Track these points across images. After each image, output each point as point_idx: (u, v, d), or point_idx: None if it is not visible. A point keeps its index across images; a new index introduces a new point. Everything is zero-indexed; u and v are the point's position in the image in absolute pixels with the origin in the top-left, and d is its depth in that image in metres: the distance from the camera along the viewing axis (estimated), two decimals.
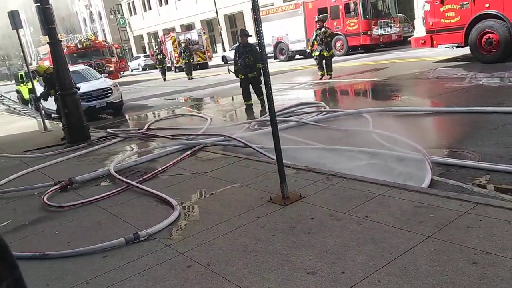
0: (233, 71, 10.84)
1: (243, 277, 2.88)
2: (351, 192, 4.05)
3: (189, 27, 43.24)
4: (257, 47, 9.94)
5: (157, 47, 32.00)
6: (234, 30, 43.99)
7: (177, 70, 31.10)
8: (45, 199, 5.12)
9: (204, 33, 32.72)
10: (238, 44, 10.66)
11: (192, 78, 23.58)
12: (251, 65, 10.12)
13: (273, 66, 23.21)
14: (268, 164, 5.34)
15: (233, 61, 10.71)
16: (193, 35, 31.71)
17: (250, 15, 37.87)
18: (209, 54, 32.55)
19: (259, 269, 2.95)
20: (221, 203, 4.38)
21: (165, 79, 25.71)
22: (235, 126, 8.70)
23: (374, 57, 20.34)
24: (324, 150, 5.88)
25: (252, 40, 9.97)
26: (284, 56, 26.75)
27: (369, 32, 22.40)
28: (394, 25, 23.29)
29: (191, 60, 24.93)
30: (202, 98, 15.44)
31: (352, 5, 22.52)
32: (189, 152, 6.59)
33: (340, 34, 23.24)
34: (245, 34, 10.34)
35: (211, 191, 4.78)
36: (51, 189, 5.50)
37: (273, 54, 27.33)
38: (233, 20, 44.06)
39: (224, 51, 39.59)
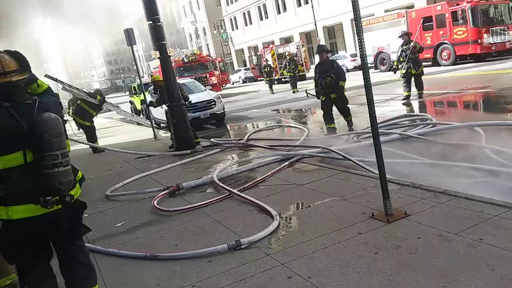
0: (313, 94, 9.85)
1: None
2: (462, 212, 3.77)
3: (288, 40, 43.82)
4: (338, 64, 9.46)
5: (265, 59, 31.73)
6: (333, 41, 43.75)
7: (275, 82, 31.48)
8: (155, 203, 5.50)
9: (302, 45, 32.92)
10: (318, 62, 9.41)
11: (296, 91, 22.88)
12: (333, 84, 8.78)
13: (374, 76, 22.48)
14: (369, 179, 5.19)
15: (314, 82, 9.41)
16: (291, 48, 32.06)
17: (349, 26, 37.29)
18: (306, 65, 32.63)
19: (361, 286, 2.87)
20: (320, 216, 4.34)
21: (272, 92, 24.59)
22: (333, 137, 8.60)
23: (485, 67, 18.81)
24: (431, 165, 5.56)
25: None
26: (385, 66, 25.88)
27: (479, 40, 20.82)
28: (508, 33, 21.36)
29: (296, 73, 24.44)
30: (300, 109, 15.52)
31: (460, 12, 21.15)
32: (287, 163, 6.65)
33: (446, 43, 21.94)
34: (323, 50, 9.12)
35: (310, 203, 4.77)
36: (160, 194, 5.89)
37: (373, 65, 26.62)
38: (332, 31, 43.80)
39: None
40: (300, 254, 3.53)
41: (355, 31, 3.94)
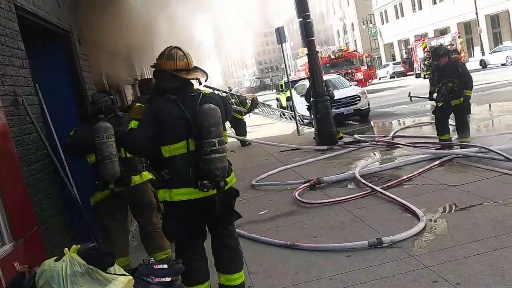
0: (418, 96, 9.05)
1: None
2: None
3: (443, 32, 40.55)
4: (465, 67, 7.91)
5: (427, 51, 28.95)
6: (496, 31, 39.06)
7: (426, 77, 29.33)
8: (296, 194, 5.62)
9: (459, 36, 30.10)
10: (434, 64, 8.05)
11: None
12: (456, 90, 7.33)
13: None
14: None
15: (430, 83, 8.15)
16: (446, 40, 29.58)
17: None
18: (463, 58, 29.71)
19: None
20: (474, 220, 3.95)
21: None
22: (493, 136, 7.71)
23: None
24: None
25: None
26: None
27: None
28: None
29: None
30: None
31: None
32: (437, 162, 6.20)
33: None
34: (439, 55, 7.59)
35: (462, 206, 4.37)
36: (301, 186, 6.00)
37: None
38: (495, 20, 39.14)
39: (483, 54, 35.52)
40: (449, 258, 3.26)
41: None
